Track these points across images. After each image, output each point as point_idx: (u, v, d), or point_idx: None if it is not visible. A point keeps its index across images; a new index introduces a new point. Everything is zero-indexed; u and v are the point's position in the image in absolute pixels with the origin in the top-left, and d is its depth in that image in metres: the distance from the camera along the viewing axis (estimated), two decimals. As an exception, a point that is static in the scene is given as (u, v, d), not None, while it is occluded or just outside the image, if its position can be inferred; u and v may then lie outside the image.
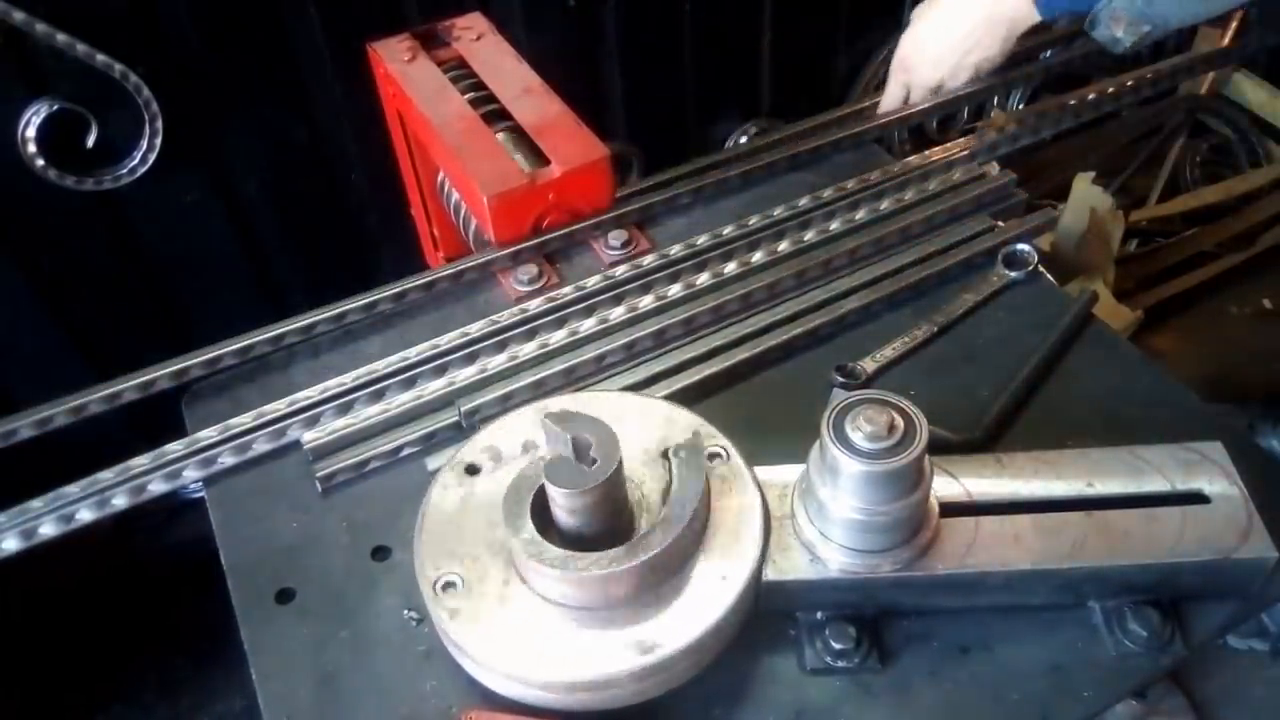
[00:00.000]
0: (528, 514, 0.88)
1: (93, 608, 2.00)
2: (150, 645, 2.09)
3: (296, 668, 0.95)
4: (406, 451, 1.11)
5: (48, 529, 1.05)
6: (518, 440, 0.98)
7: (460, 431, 1.12)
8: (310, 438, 1.11)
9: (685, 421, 0.99)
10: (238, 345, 1.20)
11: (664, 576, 0.88)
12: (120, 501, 1.07)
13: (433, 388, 1.15)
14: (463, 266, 1.29)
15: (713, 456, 0.95)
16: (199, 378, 1.19)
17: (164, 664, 2.12)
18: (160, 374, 1.17)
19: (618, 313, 1.23)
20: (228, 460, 1.10)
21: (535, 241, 1.30)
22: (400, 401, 1.14)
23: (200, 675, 2.11)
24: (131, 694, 2.10)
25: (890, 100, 1.54)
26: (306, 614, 0.99)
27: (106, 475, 1.09)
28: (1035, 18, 1.38)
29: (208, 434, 1.12)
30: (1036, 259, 1.26)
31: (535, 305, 1.24)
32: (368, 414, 1.13)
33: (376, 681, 0.93)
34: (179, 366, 1.18)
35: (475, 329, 1.22)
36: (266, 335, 1.21)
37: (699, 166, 1.44)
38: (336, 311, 1.24)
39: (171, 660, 2.13)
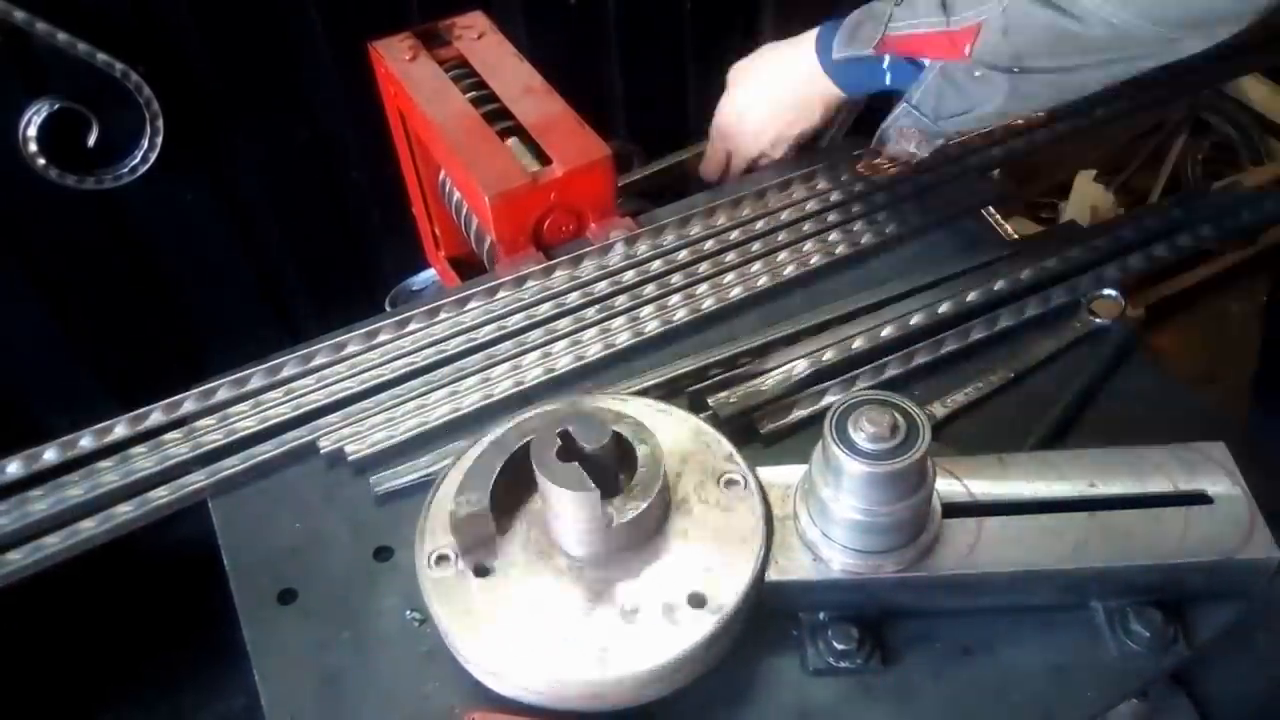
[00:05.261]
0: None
1: (94, 605, 2.00)
2: (152, 642, 2.09)
3: (299, 668, 0.95)
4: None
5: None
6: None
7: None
8: (327, 444, 1.11)
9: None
10: (266, 365, 1.19)
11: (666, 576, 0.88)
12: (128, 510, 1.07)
13: (436, 397, 1.15)
14: (470, 292, 1.28)
15: (729, 483, 0.94)
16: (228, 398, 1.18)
17: (165, 661, 2.12)
18: (187, 396, 1.17)
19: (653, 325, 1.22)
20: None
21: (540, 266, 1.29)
22: (408, 410, 1.14)
23: (202, 673, 2.11)
24: (133, 692, 2.11)
25: (712, 167, 1.50)
26: (309, 615, 0.99)
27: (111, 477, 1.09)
28: (843, 94, 1.34)
29: (213, 438, 1.12)
30: (1125, 305, 1.21)
31: (543, 310, 1.25)
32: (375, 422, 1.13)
33: (379, 682, 0.93)
34: (206, 387, 1.17)
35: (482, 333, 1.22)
36: (295, 355, 1.21)
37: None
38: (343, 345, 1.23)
39: (173, 658, 2.12)
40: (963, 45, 1.10)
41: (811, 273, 1.28)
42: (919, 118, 1.22)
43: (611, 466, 0.90)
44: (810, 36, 1.35)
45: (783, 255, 1.29)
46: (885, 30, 1.19)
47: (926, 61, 1.18)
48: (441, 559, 0.91)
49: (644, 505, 0.87)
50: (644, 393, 1.12)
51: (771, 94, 1.40)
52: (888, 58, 1.23)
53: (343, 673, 0.94)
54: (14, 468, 1.10)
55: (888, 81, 1.25)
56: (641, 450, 0.90)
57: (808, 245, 1.31)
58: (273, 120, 1.84)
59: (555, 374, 1.17)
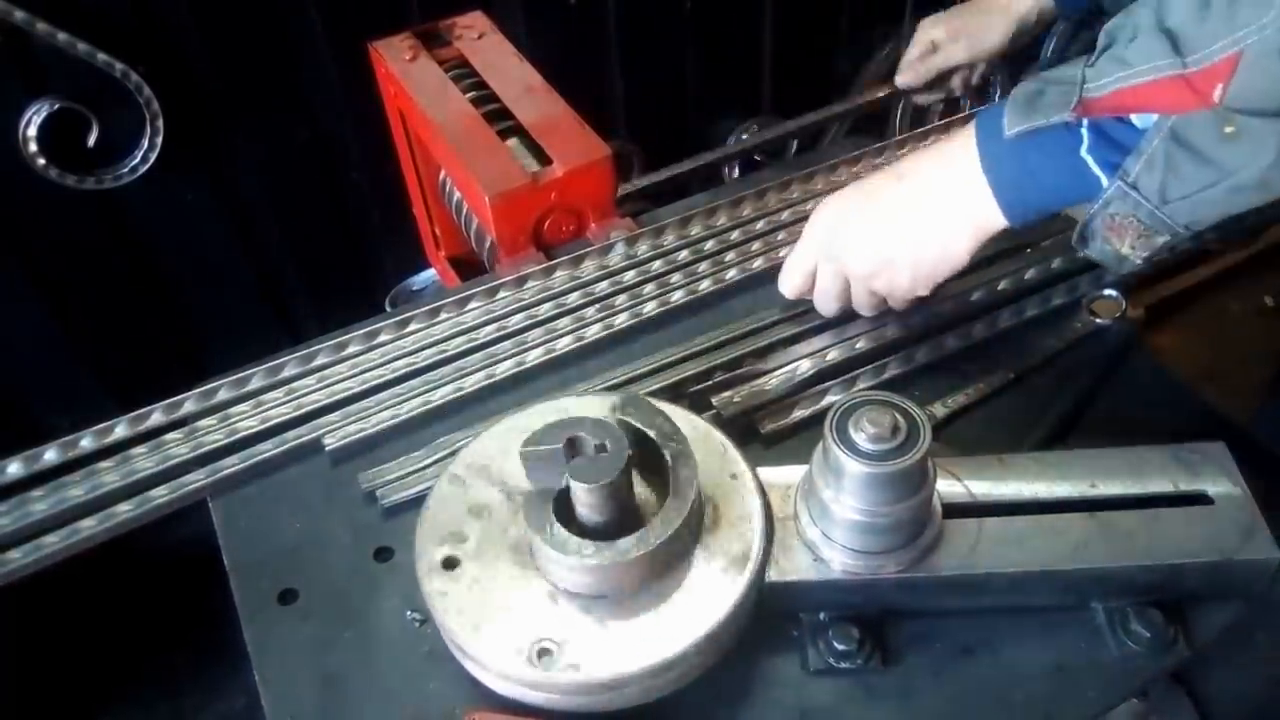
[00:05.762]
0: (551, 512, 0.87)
1: (94, 605, 2.00)
2: (152, 642, 2.09)
3: (299, 669, 0.95)
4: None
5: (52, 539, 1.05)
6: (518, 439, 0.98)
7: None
8: (332, 440, 1.11)
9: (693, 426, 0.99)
10: (266, 365, 1.19)
11: (668, 574, 0.88)
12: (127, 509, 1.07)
13: (442, 394, 1.15)
14: (470, 292, 1.27)
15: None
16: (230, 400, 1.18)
17: (165, 661, 2.12)
18: (188, 396, 1.17)
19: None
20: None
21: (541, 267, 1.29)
22: (412, 406, 1.14)
23: (202, 673, 2.11)
24: (133, 692, 2.10)
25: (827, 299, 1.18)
26: (309, 615, 0.99)
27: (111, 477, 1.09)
28: (1002, 223, 1.01)
29: (213, 438, 1.12)
30: (1125, 306, 1.20)
31: (544, 310, 1.24)
32: (381, 419, 1.13)
33: (379, 682, 0.93)
34: (207, 388, 1.17)
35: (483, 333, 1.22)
36: (295, 355, 1.21)
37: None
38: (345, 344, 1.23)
39: (173, 658, 2.13)
40: (1209, 90, 0.81)
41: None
42: (1138, 201, 0.89)
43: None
44: (936, 147, 1.05)
45: (784, 254, 1.29)
46: (1082, 92, 0.89)
47: (1138, 123, 0.88)
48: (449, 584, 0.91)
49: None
50: (653, 395, 1.12)
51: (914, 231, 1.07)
52: (1086, 131, 0.92)
53: (343, 673, 0.94)
54: (14, 468, 1.10)
55: (1083, 150, 0.93)
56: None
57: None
58: (273, 120, 1.84)
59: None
